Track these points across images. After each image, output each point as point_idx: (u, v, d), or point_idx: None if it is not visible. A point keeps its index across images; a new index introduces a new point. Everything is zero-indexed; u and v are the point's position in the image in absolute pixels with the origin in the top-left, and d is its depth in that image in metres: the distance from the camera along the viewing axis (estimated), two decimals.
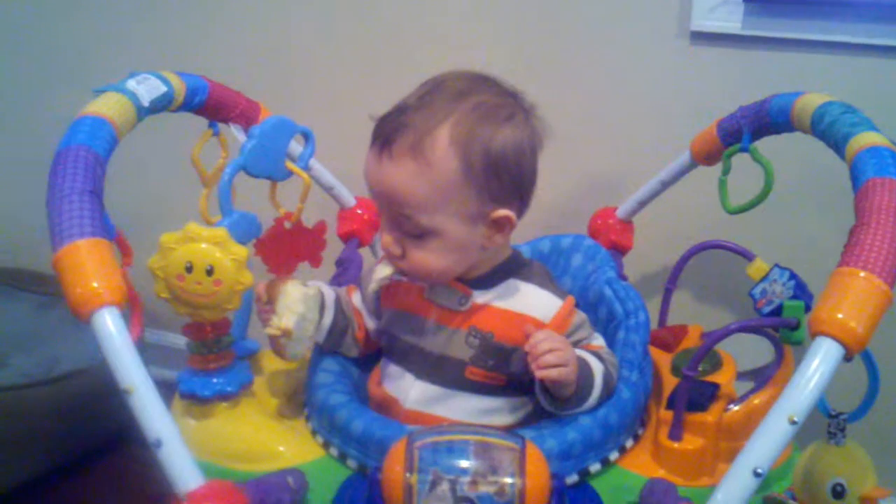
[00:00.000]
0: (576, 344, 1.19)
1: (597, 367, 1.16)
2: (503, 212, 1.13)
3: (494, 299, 1.19)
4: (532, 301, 1.20)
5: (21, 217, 1.81)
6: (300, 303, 1.16)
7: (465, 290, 1.19)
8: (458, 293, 1.19)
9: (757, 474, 0.85)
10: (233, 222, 1.26)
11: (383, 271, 1.22)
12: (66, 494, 1.87)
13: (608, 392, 1.17)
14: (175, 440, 0.88)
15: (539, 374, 1.08)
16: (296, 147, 1.40)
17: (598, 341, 1.24)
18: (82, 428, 1.87)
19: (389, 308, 1.26)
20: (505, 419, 1.19)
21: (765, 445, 0.86)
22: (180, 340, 1.19)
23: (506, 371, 1.18)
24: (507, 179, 1.12)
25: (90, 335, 0.91)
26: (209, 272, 1.08)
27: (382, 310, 1.27)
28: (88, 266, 0.92)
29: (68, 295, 0.91)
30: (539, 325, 1.16)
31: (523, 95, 1.19)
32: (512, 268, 1.22)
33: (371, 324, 1.30)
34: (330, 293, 1.28)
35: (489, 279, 1.20)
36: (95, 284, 0.91)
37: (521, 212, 1.18)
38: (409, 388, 1.20)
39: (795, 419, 0.86)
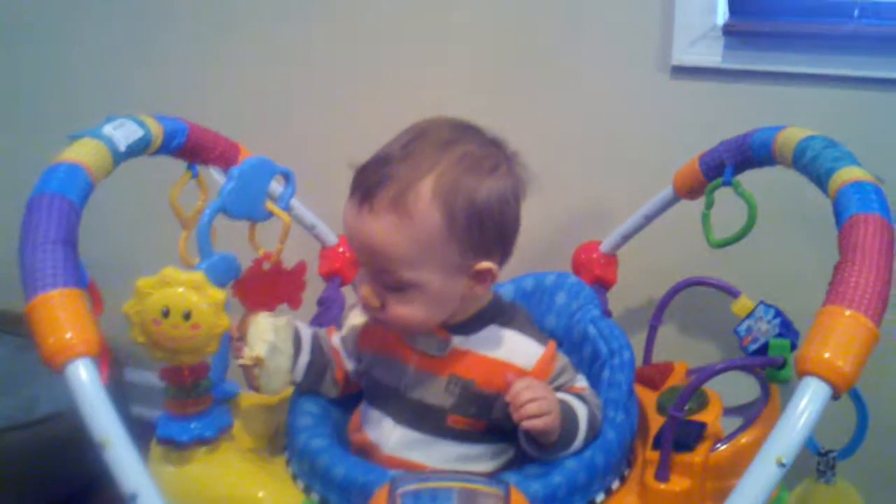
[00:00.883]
0: (559, 388, 1.17)
1: (581, 411, 1.14)
2: (485, 264, 1.11)
3: (475, 346, 1.17)
4: (514, 348, 1.17)
5: None
6: (270, 332, 1.16)
7: (444, 335, 1.17)
8: (437, 338, 1.17)
9: None
10: (211, 264, 1.24)
11: (358, 318, 1.20)
12: None
13: (593, 434, 1.15)
14: (150, 495, 0.86)
15: (525, 425, 1.07)
16: (276, 187, 1.39)
17: (582, 383, 1.22)
18: (62, 471, 1.84)
19: (368, 351, 1.24)
20: (487, 465, 1.17)
21: (753, 489, 0.84)
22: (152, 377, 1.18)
23: (487, 418, 1.16)
24: (490, 231, 1.10)
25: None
26: (186, 316, 1.06)
27: (360, 352, 1.25)
28: (61, 317, 0.90)
29: (41, 346, 0.90)
30: (521, 372, 1.14)
31: (506, 143, 1.16)
32: (493, 313, 1.19)
33: (350, 365, 1.28)
34: (307, 331, 1.26)
35: (469, 325, 1.18)
36: (69, 335, 0.89)
37: (503, 261, 1.16)
38: (389, 434, 1.18)
39: (784, 461, 0.84)
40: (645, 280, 1.64)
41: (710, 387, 1.22)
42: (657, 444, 1.15)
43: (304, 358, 1.23)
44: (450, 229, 1.06)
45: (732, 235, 1.35)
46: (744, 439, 1.17)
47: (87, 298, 0.97)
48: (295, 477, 1.16)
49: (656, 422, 1.25)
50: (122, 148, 1.15)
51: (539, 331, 1.23)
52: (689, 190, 1.43)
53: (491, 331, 1.18)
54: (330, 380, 1.27)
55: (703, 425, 1.18)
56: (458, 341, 1.17)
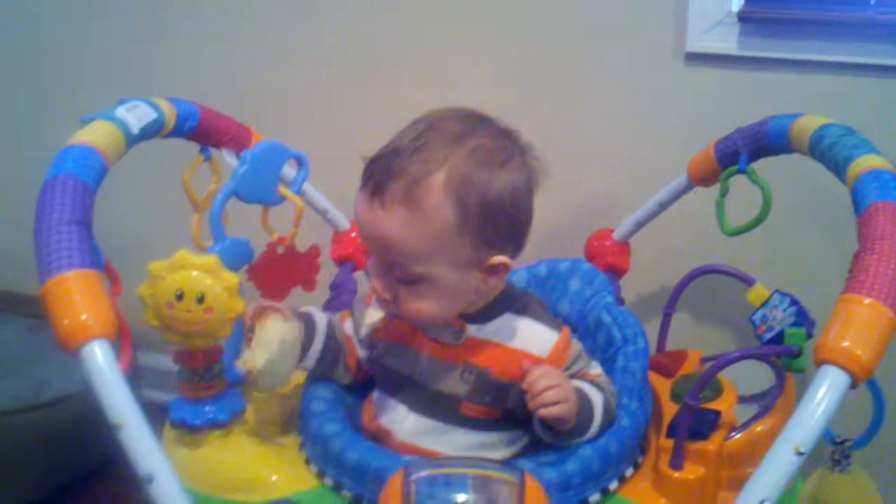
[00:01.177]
0: (573, 375, 1.16)
1: (596, 398, 1.13)
2: (499, 258, 1.10)
3: (490, 334, 1.16)
4: (528, 336, 1.16)
5: (9, 240, 1.78)
6: (276, 342, 1.12)
7: (459, 324, 1.16)
8: (452, 327, 1.16)
9: None
10: (224, 248, 1.23)
11: (374, 316, 1.19)
12: None
13: (609, 421, 1.14)
14: (167, 476, 0.86)
15: (542, 412, 1.06)
16: (289, 171, 1.38)
17: (596, 369, 1.21)
18: (72, 453, 1.84)
19: (382, 339, 1.22)
20: (501, 453, 1.16)
21: (771, 477, 0.83)
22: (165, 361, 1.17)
23: (502, 406, 1.15)
24: (503, 226, 1.09)
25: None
26: (200, 300, 1.06)
27: (374, 340, 1.24)
28: (77, 298, 0.90)
29: (56, 327, 0.89)
30: (536, 360, 1.14)
31: (518, 134, 1.14)
32: (507, 302, 1.18)
33: (362, 353, 1.26)
34: (322, 319, 1.25)
35: (484, 314, 1.17)
36: (84, 317, 0.89)
37: (515, 254, 1.15)
38: (402, 421, 1.17)
39: (802, 450, 0.83)
40: (658, 268, 1.63)
41: (725, 375, 1.21)
42: (671, 432, 1.14)
43: (318, 345, 1.22)
44: (462, 223, 1.05)
45: (747, 223, 1.34)
46: (759, 428, 1.17)
47: (103, 280, 0.96)
48: (308, 461, 1.16)
49: (670, 409, 1.24)
50: (135, 130, 1.15)
51: (553, 317, 1.22)
52: (703, 177, 1.42)
53: (506, 319, 1.17)
54: (343, 366, 1.26)
55: (717, 414, 1.17)
56: (472, 330, 1.16)
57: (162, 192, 1.53)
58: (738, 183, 1.35)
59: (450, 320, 1.15)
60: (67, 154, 1.04)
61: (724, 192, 1.38)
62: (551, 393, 1.06)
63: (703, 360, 1.42)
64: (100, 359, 0.88)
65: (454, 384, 1.15)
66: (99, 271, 0.95)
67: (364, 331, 1.22)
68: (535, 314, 1.19)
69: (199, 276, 1.06)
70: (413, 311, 1.11)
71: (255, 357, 1.11)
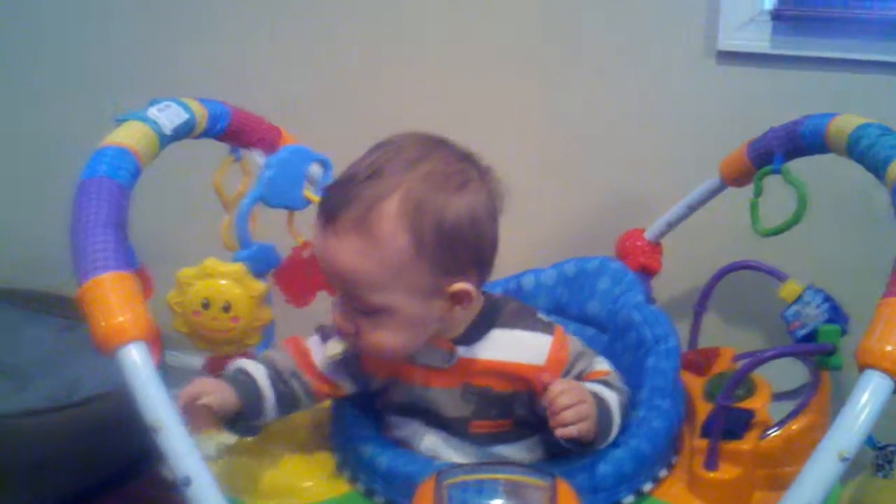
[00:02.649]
0: (580, 376, 1.11)
1: (612, 400, 1.07)
2: (460, 285, 1.03)
3: (481, 353, 1.10)
4: (521, 346, 1.10)
5: (44, 241, 1.78)
6: (212, 448, 1.09)
7: (448, 345, 1.10)
8: (440, 350, 1.10)
9: None
10: (251, 254, 1.21)
11: (335, 348, 1.11)
12: None
13: (626, 419, 1.10)
14: (204, 478, 0.84)
15: (559, 432, 1.00)
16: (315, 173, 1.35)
17: (602, 365, 1.14)
18: (104, 452, 1.82)
19: (375, 373, 1.15)
20: (524, 460, 1.12)
21: (815, 483, 0.81)
22: (200, 362, 1.16)
23: (511, 416, 1.11)
24: (462, 250, 1.02)
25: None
26: (226, 309, 1.05)
27: (367, 373, 1.16)
28: (113, 300, 0.88)
29: (93, 329, 0.87)
30: (536, 369, 1.08)
31: (478, 158, 1.08)
32: (490, 318, 1.12)
33: (349, 386, 1.16)
34: (260, 370, 1.11)
35: (470, 335, 1.10)
36: (121, 319, 0.87)
37: (481, 280, 1.08)
38: (420, 436, 1.13)
39: (846, 455, 0.81)
40: (690, 268, 1.59)
41: (758, 372, 1.18)
42: (705, 433, 1.12)
43: (271, 399, 1.10)
44: (418, 250, 0.99)
45: (781, 224, 1.30)
46: (795, 426, 1.15)
47: (137, 282, 0.94)
48: (340, 467, 1.13)
49: (703, 408, 1.21)
50: (168, 131, 1.12)
51: (541, 319, 1.15)
52: (736, 178, 1.39)
53: (493, 335, 1.11)
54: (307, 398, 1.15)
55: (750, 413, 1.15)
56: (462, 351, 1.10)
57: (191, 192, 1.52)
58: (773, 179, 1.31)
59: (435, 345, 1.09)
60: (102, 155, 1.02)
61: (757, 193, 1.34)
62: (571, 413, 1.00)
63: (736, 358, 1.39)
64: (137, 360, 0.86)
65: (457, 407, 1.10)
66: (135, 273, 0.94)
67: (324, 362, 1.14)
68: (523, 323, 1.12)
69: (226, 284, 1.06)
70: (374, 344, 1.05)
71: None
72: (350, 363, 1.14)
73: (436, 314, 1.05)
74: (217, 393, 1.03)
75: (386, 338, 1.04)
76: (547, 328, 1.12)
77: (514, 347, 1.10)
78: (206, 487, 0.84)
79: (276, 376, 1.11)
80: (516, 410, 1.11)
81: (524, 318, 1.13)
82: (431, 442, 1.12)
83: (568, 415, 1.00)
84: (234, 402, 1.05)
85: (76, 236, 0.94)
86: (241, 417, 1.06)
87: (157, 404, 0.86)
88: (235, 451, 1.12)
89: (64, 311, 2.05)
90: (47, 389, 1.95)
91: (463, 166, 1.04)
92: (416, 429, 1.13)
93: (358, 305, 1.02)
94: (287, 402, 1.12)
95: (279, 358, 1.13)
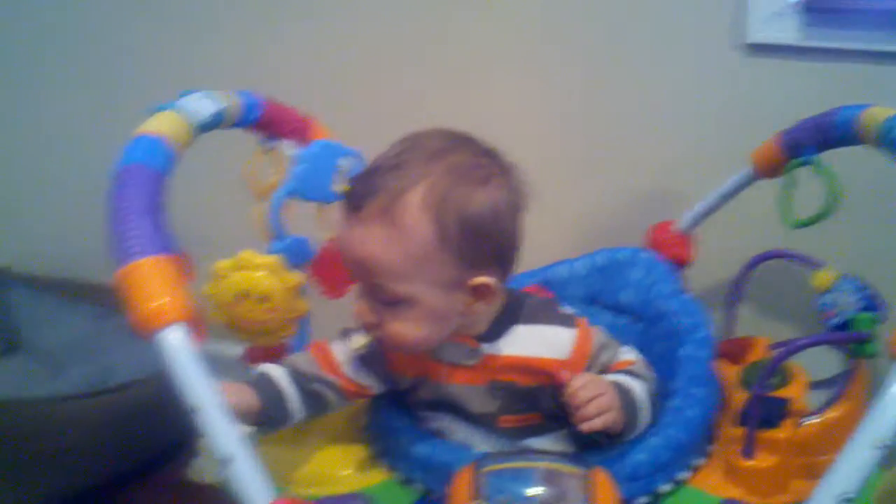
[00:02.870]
0: (605, 367, 1.11)
1: (639, 390, 1.08)
2: (482, 279, 1.04)
3: (505, 349, 1.10)
4: (545, 342, 1.10)
5: (79, 229, 1.79)
6: None
7: (472, 342, 1.10)
8: (465, 346, 1.10)
9: (847, 500, 0.80)
10: (286, 246, 1.21)
11: (359, 341, 1.12)
12: (125, 503, 1.84)
13: (656, 408, 1.10)
14: (245, 458, 0.85)
15: (584, 427, 1.01)
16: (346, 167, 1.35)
17: (628, 355, 1.15)
18: (138, 438, 1.82)
19: (403, 373, 1.16)
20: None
21: (851, 472, 0.81)
22: (235, 350, 1.16)
23: (538, 409, 1.11)
24: (484, 244, 1.03)
25: (148, 346, 0.88)
26: (263, 300, 1.05)
27: (395, 373, 1.16)
28: (153, 283, 0.88)
29: (133, 313, 0.87)
30: (559, 363, 1.08)
31: (501, 154, 1.08)
32: (513, 314, 1.12)
33: (376, 385, 1.17)
34: (279, 371, 1.13)
35: (493, 332, 1.11)
36: (161, 302, 0.87)
37: (503, 276, 1.08)
38: (452, 429, 1.14)
39: (883, 444, 0.81)
40: (722, 259, 1.56)
41: (793, 361, 1.18)
42: (741, 421, 1.11)
43: (295, 397, 1.12)
44: (441, 242, 1.00)
45: (813, 216, 1.28)
46: (831, 414, 1.14)
47: (177, 266, 0.94)
48: (377, 456, 1.14)
49: (739, 397, 1.20)
50: (201, 121, 1.12)
51: (564, 313, 1.15)
52: (768, 169, 1.37)
53: (517, 331, 1.11)
54: (336, 397, 1.16)
55: (786, 401, 1.14)
56: (487, 348, 1.10)
57: (220, 187, 1.52)
58: (805, 170, 1.30)
59: (458, 339, 1.09)
60: (137, 143, 1.02)
61: (789, 185, 1.33)
62: (592, 406, 1.01)
63: (771, 347, 1.38)
64: (176, 343, 0.86)
65: (484, 403, 1.11)
66: (174, 257, 0.93)
67: (349, 355, 1.15)
68: (546, 317, 1.13)
69: (262, 276, 1.06)
70: (395, 335, 1.05)
71: None
72: (376, 363, 1.15)
73: (457, 308, 1.05)
74: (237, 395, 1.03)
75: (407, 329, 1.04)
76: (569, 321, 1.13)
77: (537, 342, 1.11)
78: (248, 466, 0.85)
79: (299, 377, 1.12)
80: (543, 404, 1.11)
81: (546, 313, 1.14)
82: (463, 436, 1.13)
83: (590, 408, 1.01)
84: (254, 403, 1.06)
85: (114, 222, 0.94)
86: (266, 419, 1.07)
87: (197, 385, 0.86)
88: (272, 441, 1.11)
89: (99, 298, 2.05)
90: (82, 376, 1.97)
91: (487, 161, 1.05)
92: (447, 423, 1.14)
93: (380, 296, 1.03)
94: (313, 402, 1.13)
95: (302, 360, 1.15)
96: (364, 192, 1.01)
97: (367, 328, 1.07)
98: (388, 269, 1.00)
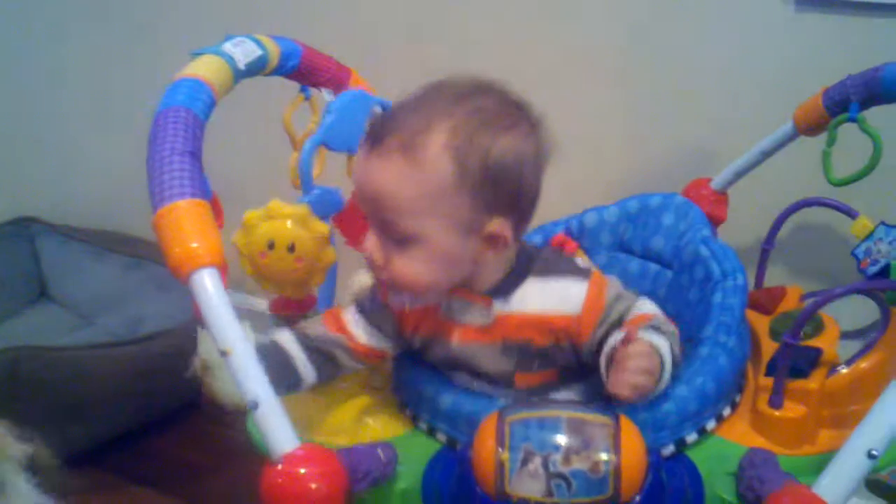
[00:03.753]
0: (619, 319, 1.07)
1: (663, 348, 1.02)
2: (496, 225, 1.01)
3: (518, 305, 1.07)
4: (557, 295, 1.08)
5: (110, 180, 1.82)
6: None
7: (484, 300, 1.08)
8: (478, 306, 1.08)
9: (871, 456, 0.79)
10: (315, 197, 1.20)
11: (362, 281, 1.12)
12: (149, 450, 1.89)
13: (677, 364, 1.05)
14: (272, 402, 0.86)
15: (616, 390, 0.97)
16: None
17: (646, 307, 1.09)
18: (165, 387, 1.87)
19: (414, 334, 1.14)
20: None
21: (883, 422, 0.80)
22: (263, 304, 1.17)
23: (554, 367, 1.10)
24: (503, 191, 1.00)
25: (175, 298, 0.90)
26: (291, 249, 1.06)
27: (406, 334, 1.15)
28: (188, 227, 0.90)
29: (167, 255, 0.89)
30: (571, 319, 1.06)
31: (530, 106, 1.05)
32: (526, 267, 1.09)
33: (387, 345, 1.16)
34: (285, 334, 1.13)
35: (507, 286, 1.08)
36: (195, 245, 0.89)
37: (517, 228, 1.05)
38: (470, 384, 1.12)
39: None
40: (755, 217, 1.55)
41: (826, 310, 1.15)
42: (770, 371, 1.10)
43: (302, 357, 1.12)
44: (460, 181, 0.97)
45: (854, 174, 1.27)
46: (863, 365, 1.12)
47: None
48: (402, 406, 1.14)
49: (768, 347, 1.19)
50: (242, 66, 1.12)
51: (576, 265, 1.13)
52: (810, 126, 1.35)
53: (530, 285, 1.08)
54: (349, 358, 1.15)
55: (818, 351, 1.13)
56: (498, 304, 1.08)
57: (253, 136, 1.52)
58: (845, 130, 1.29)
59: (468, 292, 1.08)
60: (178, 86, 1.02)
61: (831, 142, 1.31)
62: (640, 378, 0.97)
63: (804, 297, 1.36)
64: (210, 286, 0.88)
65: (499, 362, 1.09)
66: (208, 201, 0.95)
67: (350, 297, 1.14)
68: (558, 271, 1.10)
69: (291, 225, 1.07)
70: (403, 276, 1.03)
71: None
72: (385, 323, 1.14)
73: (468, 254, 1.03)
74: None
75: (415, 269, 1.02)
76: (582, 273, 1.09)
77: (548, 297, 1.08)
78: (274, 411, 0.87)
79: (307, 340, 1.11)
80: (559, 361, 1.09)
81: (559, 265, 1.11)
82: (482, 390, 1.12)
83: (634, 378, 0.96)
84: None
85: (153, 163, 0.95)
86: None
87: (228, 329, 0.88)
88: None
89: (129, 248, 2.09)
90: (110, 325, 2.00)
91: (513, 110, 1.03)
92: (466, 381, 1.12)
93: (390, 233, 1.01)
94: (323, 363, 1.12)
95: (311, 326, 1.14)
96: (385, 129, 0.99)
97: (374, 268, 1.05)
98: (400, 203, 0.98)
